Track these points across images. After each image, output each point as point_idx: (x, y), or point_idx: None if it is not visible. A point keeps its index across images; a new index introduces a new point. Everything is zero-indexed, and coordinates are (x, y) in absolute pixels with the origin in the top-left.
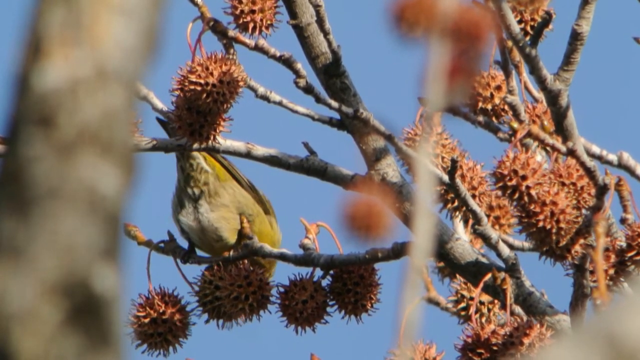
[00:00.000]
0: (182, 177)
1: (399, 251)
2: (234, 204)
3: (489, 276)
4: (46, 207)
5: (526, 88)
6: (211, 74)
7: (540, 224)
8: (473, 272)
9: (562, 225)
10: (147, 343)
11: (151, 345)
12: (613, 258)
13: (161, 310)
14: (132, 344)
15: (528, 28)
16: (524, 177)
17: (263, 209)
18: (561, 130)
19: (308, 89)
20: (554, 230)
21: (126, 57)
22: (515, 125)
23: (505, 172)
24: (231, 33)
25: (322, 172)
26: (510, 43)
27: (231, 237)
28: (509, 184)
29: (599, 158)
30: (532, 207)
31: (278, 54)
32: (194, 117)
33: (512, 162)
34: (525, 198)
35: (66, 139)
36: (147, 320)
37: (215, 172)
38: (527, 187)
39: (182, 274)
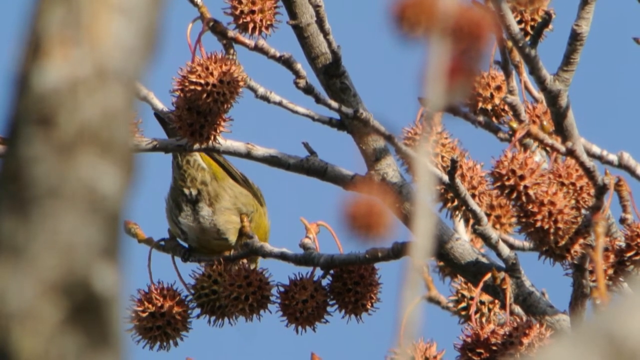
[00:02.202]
0: (177, 174)
1: (399, 251)
2: (235, 205)
3: (488, 276)
4: (46, 207)
5: (526, 88)
6: (211, 74)
7: (538, 224)
8: (473, 272)
9: (560, 225)
10: (146, 337)
11: (151, 339)
12: (612, 258)
13: (159, 304)
14: (132, 340)
15: (528, 28)
16: (522, 177)
17: (258, 202)
18: (561, 130)
19: (308, 90)
20: (551, 231)
21: (126, 56)
22: (515, 125)
23: (504, 171)
24: (231, 33)
25: (322, 172)
26: (510, 43)
27: (234, 238)
28: (507, 183)
29: (599, 158)
30: (530, 207)
31: (278, 55)
32: (194, 117)
33: (510, 162)
34: (523, 198)
35: (66, 139)
36: (145, 315)
37: (212, 171)
38: (525, 187)
39: (178, 272)
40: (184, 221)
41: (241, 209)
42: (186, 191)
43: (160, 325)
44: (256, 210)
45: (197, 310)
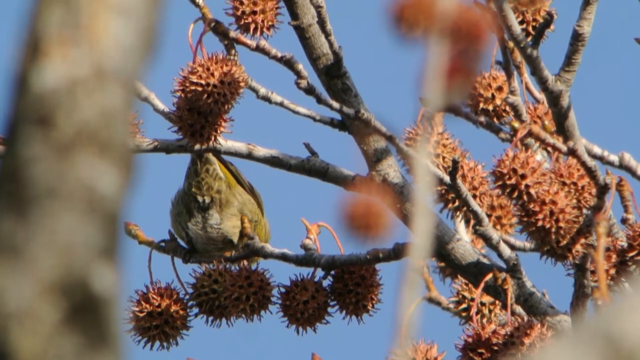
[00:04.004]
0: (194, 181)
1: (400, 251)
2: (242, 211)
3: (489, 276)
4: (45, 207)
5: (528, 89)
6: (212, 74)
7: (540, 223)
8: (474, 272)
9: (562, 224)
10: (145, 337)
11: (149, 339)
12: (614, 258)
13: (157, 304)
14: (132, 341)
15: (530, 29)
16: (523, 176)
17: (261, 212)
18: (562, 131)
19: (309, 90)
20: (553, 230)
21: (125, 56)
22: (516, 124)
23: (505, 170)
24: (232, 34)
25: (324, 172)
26: (511, 44)
27: (236, 239)
28: (508, 182)
29: (601, 159)
30: (531, 206)
31: (279, 55)
32: (195, 118)
33: (511, 161)
34: (525, 197)
35: (65, 139)
36: (142, 315)
37: (227, 180)
38: (527, 186)
39: (177, 274)
40: (193, 228)
41: (247, 215)
42: (199, 198)
43: (158, 325)
44: (259, 221)
45: (196, 310)
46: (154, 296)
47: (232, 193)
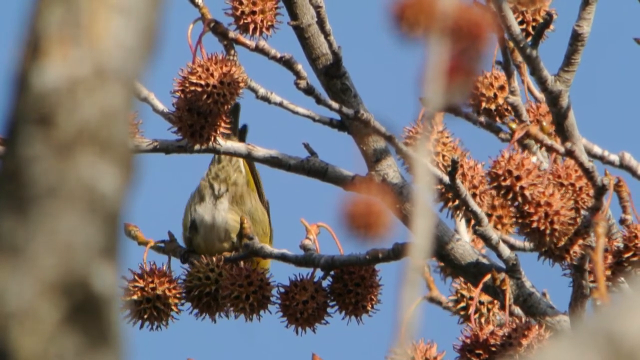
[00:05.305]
0: (215, 168)
1: (399, 252)
2: (252, 216)
3: (488, 277)
4: (45, 206)
5: (528, 88)
6: (212, 75)
7: (534, 224)
8: (474, 272)
9: (557, 226)
10: (136, 312)
11: (140, 313)
12: (610, 259)
13: (150, 280)
14: (124, 318)
15: (530, 29)
16: (518, 178)
17: (270, 232)
18: (562, 131)
19: (309, 90)
20: (547, 232)
21: (125, 56)
22: (514, 125)
23: (500, 172)
24: (232, 34)
25: (323, 173)
26: (511, 43)
27: (235, 237)
28: (503, 184)
29: (601, 158)
30: (526, 207)
31: (279, 55)
32: (195, 119)
33: (507, 162)
34: (520, 199)
35: (65, 138)
36: (134, 290)
37: (247, 178)
38: (521, 188)
39: (170, 272)
40: (200, 211)
41: (256, 220)
42: (216, 186)
43: (150, 298)
44: (267, 235)
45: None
46: (147, 274)
47: (249, 192)
